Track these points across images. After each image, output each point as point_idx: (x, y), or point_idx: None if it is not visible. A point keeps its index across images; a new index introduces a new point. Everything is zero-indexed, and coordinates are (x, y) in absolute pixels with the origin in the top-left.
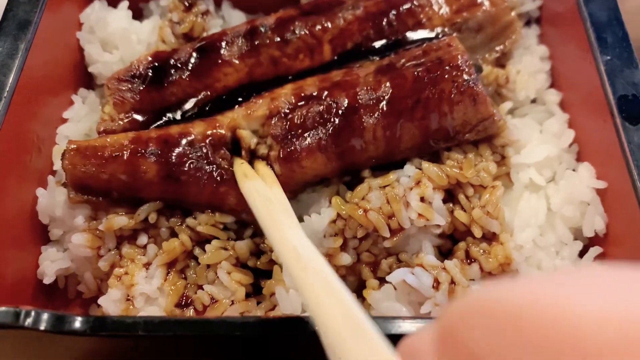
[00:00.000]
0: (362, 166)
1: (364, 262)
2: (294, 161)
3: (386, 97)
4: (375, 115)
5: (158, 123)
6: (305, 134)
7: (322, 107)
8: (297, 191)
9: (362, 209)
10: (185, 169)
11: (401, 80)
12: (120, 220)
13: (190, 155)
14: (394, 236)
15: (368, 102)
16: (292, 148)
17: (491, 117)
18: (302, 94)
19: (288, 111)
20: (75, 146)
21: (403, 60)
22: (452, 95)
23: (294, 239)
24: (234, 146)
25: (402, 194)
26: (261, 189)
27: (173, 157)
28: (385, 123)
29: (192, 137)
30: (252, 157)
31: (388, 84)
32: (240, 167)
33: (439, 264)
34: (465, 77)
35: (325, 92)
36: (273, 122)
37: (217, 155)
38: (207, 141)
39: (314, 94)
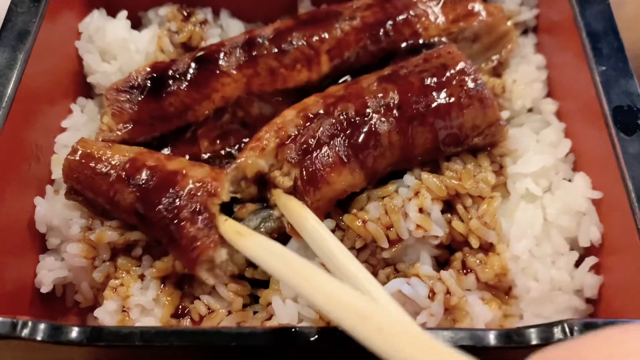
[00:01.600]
0: (382, 173)
1: None
2: (321, 180)
3: (395, 103)
4: (389, 120)
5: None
6: (323, 151)
7: (333, 120)
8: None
9: (361, 219)
10: (156, 213)
11: (408, 86)
12: (110, 234)
13: (170, 203)
14: (392, 247)
15: (378, 109)
16: (314, 167)
17: (498, 121)
18: (309, 114)
19: (298, 133)
20: (79, 148)
21: (405, 69)
22: (462, 100)
23: (343, 293)
24: (226, 205)
25: (400, 205)
26: (267, 244)
27: (150, 196)
28: (399, 128)
29: (184, 181)
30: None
31: (395, 90)
32: (230, 225)
33: (434, 274)
34: (473, 81)
35: (332, 107)
36: (286, 148)
37: (201, 213)
38: (199, 192)
39: (320, 111)
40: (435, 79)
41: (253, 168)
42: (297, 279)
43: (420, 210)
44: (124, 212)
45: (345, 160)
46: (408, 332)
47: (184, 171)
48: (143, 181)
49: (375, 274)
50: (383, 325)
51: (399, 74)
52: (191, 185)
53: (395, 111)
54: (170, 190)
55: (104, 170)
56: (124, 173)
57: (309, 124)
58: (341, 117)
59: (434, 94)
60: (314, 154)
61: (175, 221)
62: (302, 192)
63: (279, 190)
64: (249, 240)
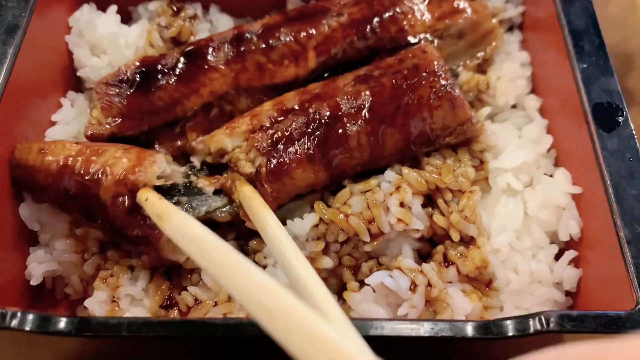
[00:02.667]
0: (349, 174)
1: (345, 265)
2: (284, 173)
3: (367, 105)
4: (359, 122)
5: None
6: (292, 146)
7: (305, 118)
8: (285, 204)
9: (344, 213)
10: (103, 224)
11: (380, 88)
12: (94, 232)
13: (104, 214)
14: (374, 240)
15: (350, 110)
16: (281, 160)
17: (469, 120)
18: (284, 108)
19: (270, 125)
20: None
21: (379, 70)
22: (431, 101)
23: (256, 286)
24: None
25: (382, 199)
26: (185, 228)
27: (86, 210)
28: (369, 130)
29: (108, 183)
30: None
31: (367, 92)
32: (152, 206)
33: (416, 267)
34: (442, 82)
35: (307, 104)
36: (257, 136)
37: (135, 210)
38: (123, 190)
39: (295, 107)
40: (407, 81)
41: (218, 144)
42: (212, 266)
43: (402, 205)
44: (64, 209)
45: (312, 159)
46: (314, 334)
47: (108, 169)
48: (72, 193)
49: (358, 266)
50: (289, 325)
51: (372, 75)
52: (114, 187)
53: (366, 113)
54: (99, 201)
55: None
56: (64, 169)
57: (282, 118)
58: (314, 116)
59: (405, 96)
60: (283, 147)
61: (118, 228)
62: (263, 179)
63: (243, 182)
64: (168, 223)
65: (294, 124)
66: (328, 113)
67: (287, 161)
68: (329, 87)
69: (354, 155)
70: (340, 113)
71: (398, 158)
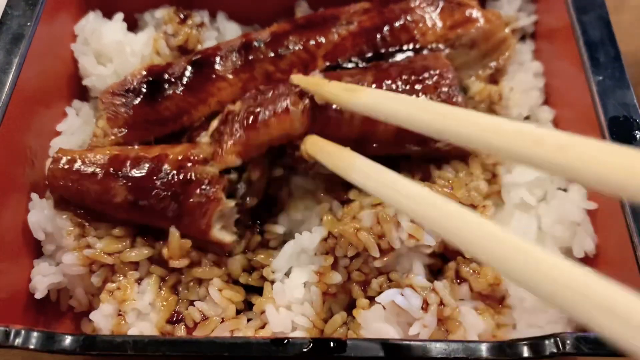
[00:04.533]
0: (333, 139)
1: (354, 280)
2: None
3: (367, 84)
4: None
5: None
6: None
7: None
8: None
9: (353, 228)
10: (153, 197)
11: (384, 74)
12: (104, 245)
13: (160, 182)
14: (384, 256)
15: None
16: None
17: None
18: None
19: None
20: (61, 157)
21: (387, 64)
22: (432, 99)
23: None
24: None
25: (392, 214)
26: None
27: (143, 183)
28: None
29: (169, 160)
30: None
31: (371, 74)
32: (334, 86)
33: (428, 285)
34: (447, 86)
35: None
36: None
37: (193, 180)
38: (186, 163)
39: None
40: (413, 76)
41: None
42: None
43: (412, 220)
44: (118, 209)
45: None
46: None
47: (166, 152)
48: (131, 172)
49: (368, 282)
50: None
51: (380, 66)
52: (178, 159)
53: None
54: (160, 172)
55: (89, 171)
56: (110, 169)
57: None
58: None
59: (407, 85)
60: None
61: (175, 197)
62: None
63: (313, 136)
64: (361, 93)
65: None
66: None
67: (272, 110)
68: (335, 74)
69: (342, 126)
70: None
71: (385, 152)
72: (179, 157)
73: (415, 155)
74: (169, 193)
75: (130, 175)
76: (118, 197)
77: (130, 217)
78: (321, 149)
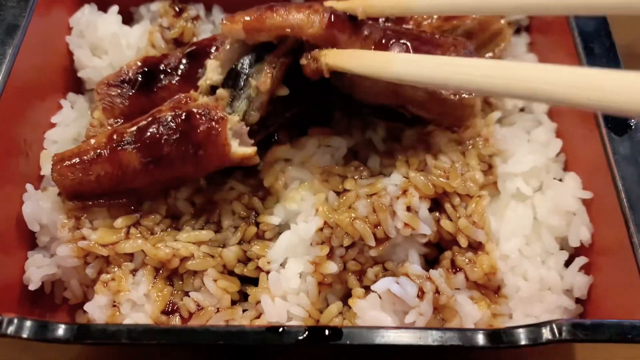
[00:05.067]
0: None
1: (350, 270)
2: None
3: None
4: None
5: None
6: None
7: None
8: None
9: (349, 217)
10: (164, 144)
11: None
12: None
13: (165, 130)
14: (380, 245)
15: None
16: None
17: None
18: None
19: None
20: (60, 157)
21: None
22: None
23: None
24: None
25: (388, 203)
26: None
27: (149, 139)
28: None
29: (163, 111)
30: None
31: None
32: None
33: (424, 274)
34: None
35: None
36: None
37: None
38: (181, 106)
39: None
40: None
41: None
42: None
43: (408, 209)
44: (138, 175)
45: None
46: None
47: (159, 109)
48: (134, 137)
49: (363, 272)
50: None
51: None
52: (171, 106)
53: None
54: (161, 122)
55: (94, 155)
56: (113, 144)
57: None
58: None
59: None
60: None
61: (184, 136)
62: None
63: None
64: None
65: None
66: None
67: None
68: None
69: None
70: None
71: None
72: (171, 105)
73: (408, 112)
74: (178, 135)
75: (134, 139)
76: (132, 164)
77: (153, 178)
78: (348, 56)
